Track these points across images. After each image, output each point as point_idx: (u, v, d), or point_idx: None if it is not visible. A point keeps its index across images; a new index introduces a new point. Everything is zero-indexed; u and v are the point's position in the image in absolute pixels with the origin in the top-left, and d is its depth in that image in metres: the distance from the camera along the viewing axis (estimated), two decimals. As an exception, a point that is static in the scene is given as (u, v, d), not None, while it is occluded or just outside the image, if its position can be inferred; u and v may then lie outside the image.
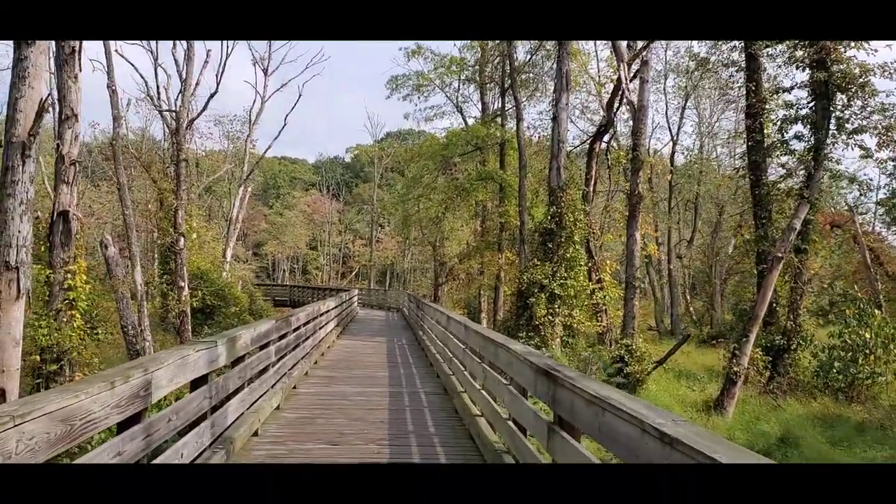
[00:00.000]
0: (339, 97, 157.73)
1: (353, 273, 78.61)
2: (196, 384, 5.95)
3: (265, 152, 43.00)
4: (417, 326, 22.44)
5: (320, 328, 16.33)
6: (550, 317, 20.06)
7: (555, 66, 27.12)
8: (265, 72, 41.56)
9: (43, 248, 11.13)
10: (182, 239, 20.78)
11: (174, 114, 23.42)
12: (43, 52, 6.99)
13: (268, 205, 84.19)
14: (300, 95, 44.04)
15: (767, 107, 21.26)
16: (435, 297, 42.06)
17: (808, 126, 19.52)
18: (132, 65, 34.07)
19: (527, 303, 20.21)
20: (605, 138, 27.99)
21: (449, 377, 11.28)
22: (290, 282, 71.54)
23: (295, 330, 11.92)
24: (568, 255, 20.41)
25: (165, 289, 28.06)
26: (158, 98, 35.18)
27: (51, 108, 7.12)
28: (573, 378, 4.31)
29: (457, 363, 10.64)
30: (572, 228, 20.49)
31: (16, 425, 2.96)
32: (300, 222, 75.44)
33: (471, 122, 34.86)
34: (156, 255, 38.29)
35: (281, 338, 10.39)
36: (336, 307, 20.97)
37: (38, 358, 10.75)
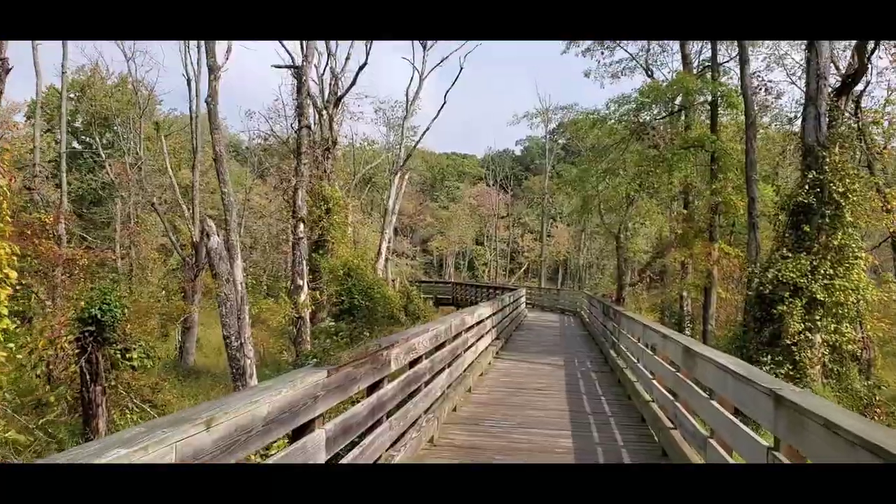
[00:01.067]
0: (506, 82, 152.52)
1: (522, 269, 73.29)
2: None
3: (423, 134, 38.47)
4: (607, 341, 16.67)
5: (467, 349, 11.05)
6: (808, 333, 13.60)
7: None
8: (423, 46, 37.10)
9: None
10: (301, 225, 16.20)
11: (295, 71, 18.82)
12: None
13: (434, 200, 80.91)
14: (461, 69, 39.15)
15: None
16: (618, 299, 35.75)
17: None
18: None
19: (770, 312, 13.88)
20: (860, 87, 20.68)
21: (690, 454, 5.52)
22: (455, 279, 67.39)
23: (412, 363, 6.77)
24: (835, 243, 13.81)
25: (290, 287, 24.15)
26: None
27: None
28: None
29: (700, 430, 4.91)
30: (841, 203, 13.84)
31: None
32: (465, 215, 71.13)
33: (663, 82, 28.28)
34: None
35: (373, 387, 5.23)
36: (494, 314, 15.64)
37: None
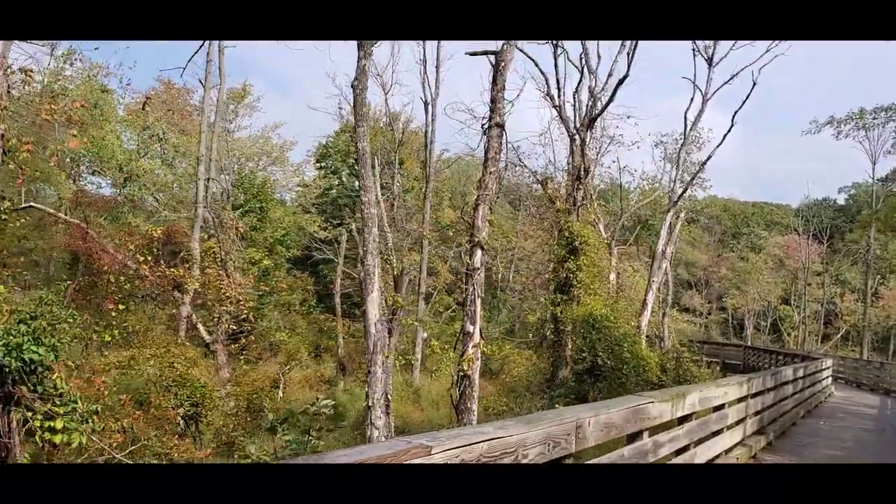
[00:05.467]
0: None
1: (839, 335, 61.40)
2: None
3: (704, 163, 32.43)
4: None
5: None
6: None
7: None
8: (709, 62, 31.44)
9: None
10: (478, 252, 12.07)
11: (492, 56, 14.89)
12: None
13: (732, 250, 72.06)
14: (754, 84, 32.21)
15: None
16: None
17: None
18: (531, 59, 27.46)
19: None
20: None
21: None
22: (754, 341, 58.22)
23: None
24: None
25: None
26: (560, 96, 27.72)
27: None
28: None
29: None
30: None
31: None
32: (768, 269, 61.56)
33: None
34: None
35: None
36: (750, 396, 10.20)
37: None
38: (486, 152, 12.64)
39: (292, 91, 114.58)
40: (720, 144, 37.06)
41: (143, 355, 11.97)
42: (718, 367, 37.51)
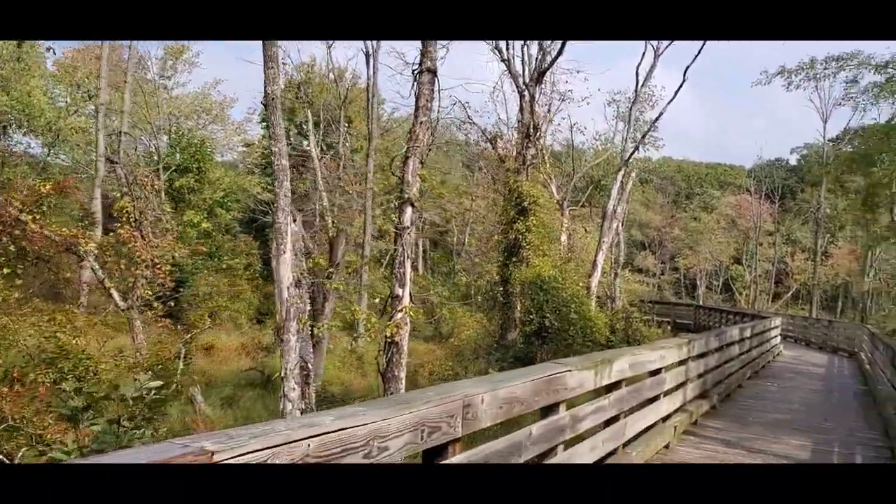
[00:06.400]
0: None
1: (789, 294, 62.16)
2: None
3: (656, 120, 31.82)
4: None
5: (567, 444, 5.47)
6: None
7: None
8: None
9: None
10: (409, 209, 11.16)
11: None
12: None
13: (685, 210, 72.26)
14: (704, 41, 31.35)
15: None
16: (916, 339, 26.49)
17: None
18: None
19: None
20: None
21: None
22: (707, 301, 58.55)
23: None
24: None
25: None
26: (508, 48, 26.67)
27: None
28: None
29: None
30: None
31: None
32: (721, 228, 61.80)
33: None
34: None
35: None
36: (687, 360, 9.54)
37: None
38: (417, 100, 11.65)
39: (233, 46, 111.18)
40: (672, 100, 36.32)
41: (19, 324, 10.92)
42: (669, 327, 37.34)
